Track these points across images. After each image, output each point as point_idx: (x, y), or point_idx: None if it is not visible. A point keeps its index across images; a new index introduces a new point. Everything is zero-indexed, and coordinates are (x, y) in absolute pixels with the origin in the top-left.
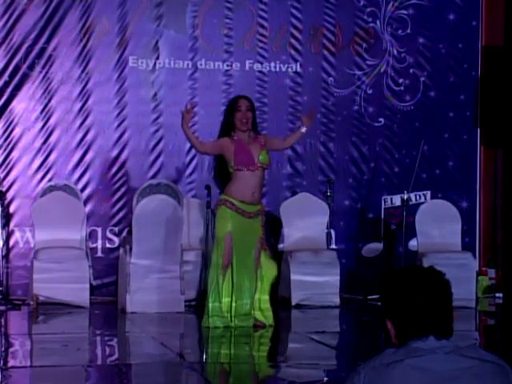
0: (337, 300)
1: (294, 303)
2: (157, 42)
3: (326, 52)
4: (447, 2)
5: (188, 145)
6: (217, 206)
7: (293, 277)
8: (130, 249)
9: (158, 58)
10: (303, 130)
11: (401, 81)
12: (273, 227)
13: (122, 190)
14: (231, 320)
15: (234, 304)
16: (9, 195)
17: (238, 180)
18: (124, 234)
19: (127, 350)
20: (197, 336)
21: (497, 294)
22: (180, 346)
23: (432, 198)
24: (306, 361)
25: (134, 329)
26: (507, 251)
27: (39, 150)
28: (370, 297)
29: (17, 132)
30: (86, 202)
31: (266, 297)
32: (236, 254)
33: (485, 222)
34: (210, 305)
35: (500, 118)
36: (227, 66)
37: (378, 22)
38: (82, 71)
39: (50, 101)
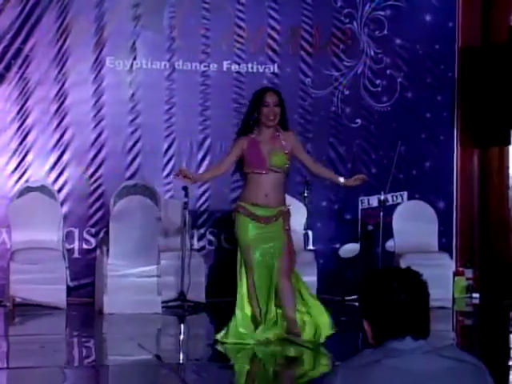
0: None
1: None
2: (134, 43)
3: (303, 53)
4: (424, 3)
5: (165, 145)
6: (233, 213)
7: None
8: (107, 250)
9: (135, 59)
10: (341, 180)
11: (378, 81)
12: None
13: (100, 190)
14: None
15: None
16: None
17: (250, 182)
18: (101, 234)
19: (104, 351)
20: (174, 337)
21: (473, 295)
22: (157, 347)
23: (409, 198)
24: (283, 362)
25: (111, 330)
26: (484, 251)
27: (16, 150)
28: (347, 297)
29: None
30: (62, 203)
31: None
32: (257, 265)
33: (461, 223)
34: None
35: (477, 118)
36: (205, 66)
37: (355, 23)
38: (59, 72)
39: (26, 101)
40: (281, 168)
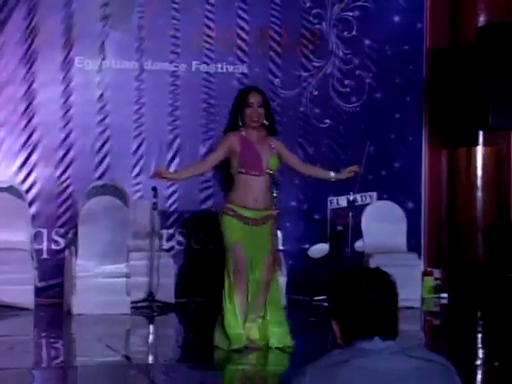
0: (283, 301)
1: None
2: (103, 43)
3: (272, 53)
4: (392, 4)
5: (134, 145)
6: (219, 216)
7: None
8: (76, 250)
9: (104, 59)
10: (332, 175)
11: (347, 82)
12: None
13: (68, 191)
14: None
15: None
16: None
17: (239, 185)
18: (70, 235)
19: (73, 352)
20: (143, 337)
21: (442, 295)
22: (126, 347)
23: (378, 199)
24: (251, 362)
25: (79, 331)
26: (452, 251)
27: None
28: (316, 298)
29: None
30: (31, 204)
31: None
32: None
33: (430, 223)
34: (225, 322)
35: (445, 119)
36: (174, 66)
37: (323, 24)
38: (27, 71)
39: None
40: (274, 171)
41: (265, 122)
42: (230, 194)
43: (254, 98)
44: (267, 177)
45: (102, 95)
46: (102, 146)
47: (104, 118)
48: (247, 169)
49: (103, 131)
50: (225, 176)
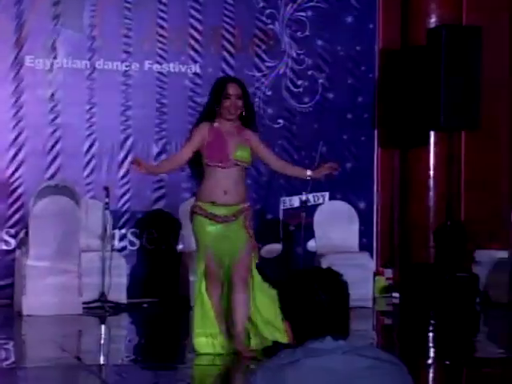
0: None
1: (192, 304)
2: (54, 42)
3: (225, 53)
4: (345, 5)
5: (86, 145)
6: (190, 214)
7: (191, 277)
8: (27, 251)
9: (55, 58)
10: (308, 174)
11: (299, 82)
12: (172, 228)
13: (19, 191)
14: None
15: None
16: None
17: (208, 178)
18: (21, 235)
19: (23, 353)
20: (95, 338)
21: (393, 294)
22: (77, 348)
23: (330, 199)
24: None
25: (30, 332)
26: (403, 251)
27: None
28: None
29: None
30: None
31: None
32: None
33: (382, 223)
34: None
35: (397, 119)
36: (126, 66)
37: (276, 24)
38: None
39: None
40: (246, 162)
41: (243, 113)
42: (200, 190)
43: (233, 90)
44: (238, 169)
45: (53, 94)
46: (54, 145)
47: (55, 118)
48: (212, 160)
49: (54, 131)
50: (199, 169)
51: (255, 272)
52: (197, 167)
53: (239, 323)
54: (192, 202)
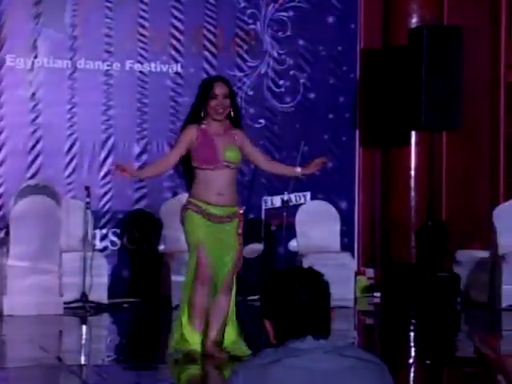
0: None
1: (174, 304)
2: (35, 41)
3: (206, 53)
4: (326, 5)
5: (67, 145)
6: (182, 211)
7: (173, 278)
8: (7, 250)
9: (36, 57)
10: (299, 171)
11: (281, 82)
12: (153, 228)
13: (0, 190)
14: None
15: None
16: None
17: (200, 180)
18: (1, 235)
19: (4, 353)
20: (76, 338)
21: (375, 294)
22: (58, 348)
23: (312, 198)
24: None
25: (11, 332)
26: (385, 251)
27: None
28: (250, 297)
29: None
30: None
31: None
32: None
33: (363, 223)
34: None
35: (378, 119)
36: (107, 65)
37: (258, 24)
38: None
39: None
40: (236, 163)
41: (231, 113)
42: (193, 191)
43: (219, 90)
44: (230, 171)
45: (34, 94)
46: (35, 145)
47: (36, 117)
48: (202, 163)
49: (35, 130)
50: (187, 170)
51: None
52: (187, 166)
53: (216, 330)
54: (174, 202)
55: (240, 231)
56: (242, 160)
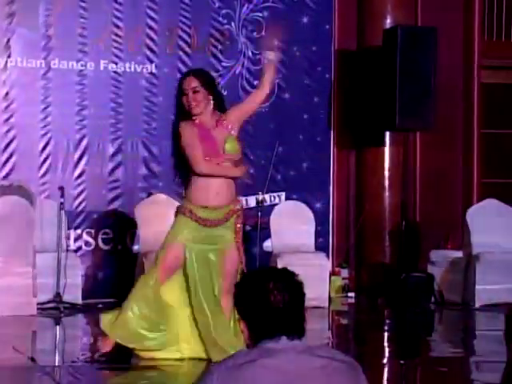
0: None
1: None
2: (8, 40)
3: (181, 53)
4: (301, 6)
5: (41, 145)
6: (175, 214)
7: None
8: None
9: (9, 57)
10: (269, 56)
11: (256, 82)
12: (128, 229)
13: None
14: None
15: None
16: None
17: (198, 179)
18: None
19: None
20: (50, 339)
21: (349, 294)
22: (32, 349)
23: (286, 199)
24: (161, 362)
25: None
26: (359, 251)
27: None
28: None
29: None
30: None
31: None
32: (196, 277)
33: (338, 223)
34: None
35: (353, 120)
36: (81, 65)
37: (233, 24)
38: None
39: None
40: (236, 155)
41: (211, 103)
42: (190, 192)
43: (187, 85)
44: (229, 164)
45: (7, 94)
46: (8, 145)
47: (9, 117)
48: (204, 156)
49: (9, 130)
50: (185, 171)
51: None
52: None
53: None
54: (149, 202)
55: (239, 225)
56: (240, 150)
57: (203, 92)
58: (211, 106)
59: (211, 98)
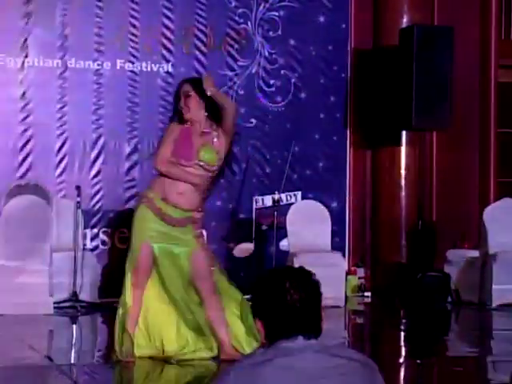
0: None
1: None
2: (25, 40)
3: (197, 52)
4: (317, 5)
5: (58, 144)
6: (137, 204)
7: None
8: None
9: (26, 57)
10: (209, 92)
11: (272, 82)
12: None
13: None
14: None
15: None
16: None
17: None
18: None
19: None
20: (66, 338)
21: (365, 293)
22: (48, 348)
23: (303, 198)
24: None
25: (0, 331)
26: (375, 251)
27: None
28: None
29: None
30: None
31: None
32: (165, 275)
33: (354, 222)
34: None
35: (369, 119)
36: (98, 65)
37: (249, 23)
38: None
39: None
40: (210, 165)
41: (203, 109)
42: (154, 181)
43: (182, 89)
44: (202, 176)
45: (24, 93)
46: (25, 144)
47: (26, 117)
48: (178, 158)
49: (26, 130)
50: None
51: (221, 278)
52: None
53: (225, 338)
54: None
55: (197, 234)
56: (218, 162)
57: (195, 97)
58: (203, 112)
59: (204, 104)
